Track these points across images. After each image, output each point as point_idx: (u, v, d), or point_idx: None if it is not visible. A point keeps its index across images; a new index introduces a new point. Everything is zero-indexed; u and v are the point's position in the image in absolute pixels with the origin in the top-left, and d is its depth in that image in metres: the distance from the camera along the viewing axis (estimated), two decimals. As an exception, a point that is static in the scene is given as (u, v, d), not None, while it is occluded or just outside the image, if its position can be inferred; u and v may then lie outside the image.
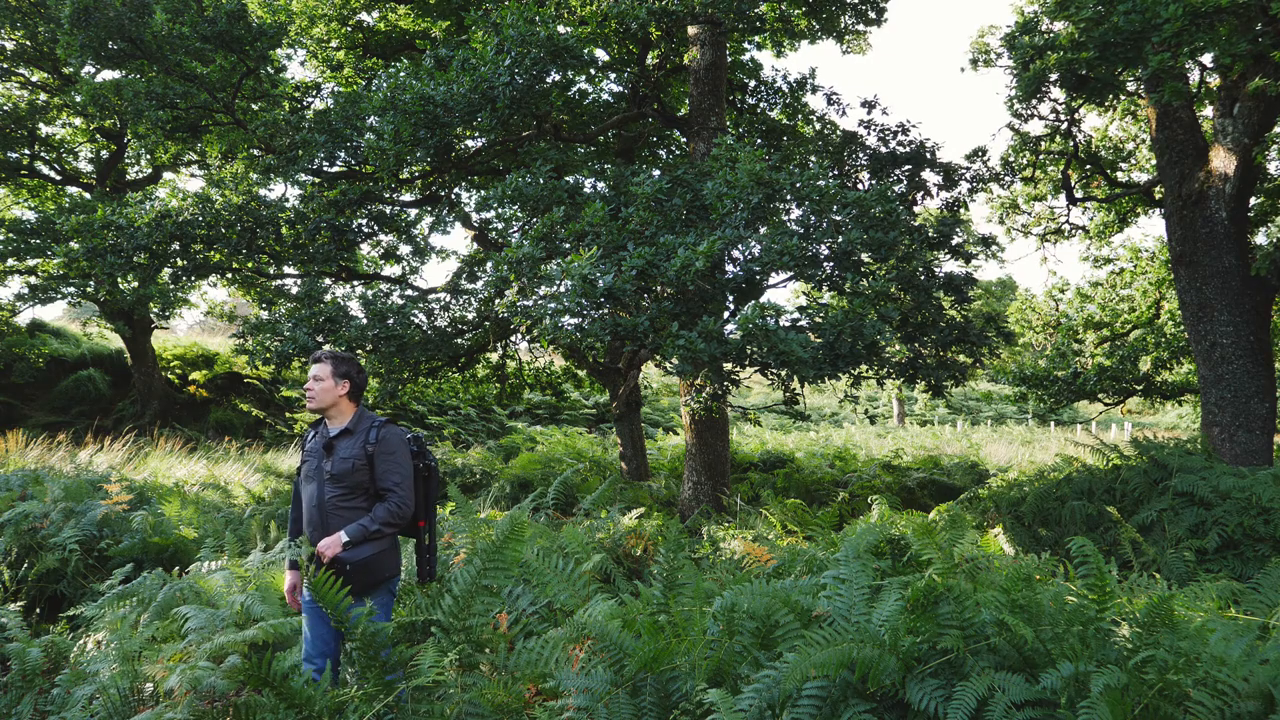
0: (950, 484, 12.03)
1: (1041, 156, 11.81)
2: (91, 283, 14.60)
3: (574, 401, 25.70)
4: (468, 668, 3.84)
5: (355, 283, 11.16)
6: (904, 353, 8.65)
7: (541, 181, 7.61)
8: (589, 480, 11.45)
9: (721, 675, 3.04)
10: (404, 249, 13.65)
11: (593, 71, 12.11)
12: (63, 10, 8.66)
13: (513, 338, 10.57)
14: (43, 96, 15.54)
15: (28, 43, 14.38)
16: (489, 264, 9.00)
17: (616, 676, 3.14)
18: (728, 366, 7.59)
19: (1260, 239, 11.90)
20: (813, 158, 11.06)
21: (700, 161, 8.77)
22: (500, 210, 8.61)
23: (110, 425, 16.38)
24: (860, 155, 10.64)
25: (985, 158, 10.58)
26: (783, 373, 7.54)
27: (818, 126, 12.27)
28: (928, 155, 10.08)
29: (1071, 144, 11.26)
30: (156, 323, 17.94)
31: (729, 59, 12.18)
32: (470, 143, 10.21)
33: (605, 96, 12.76)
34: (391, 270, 13.82)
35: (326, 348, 4.00)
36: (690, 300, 7.01)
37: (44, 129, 16.45)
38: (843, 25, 12.34)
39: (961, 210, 10.31)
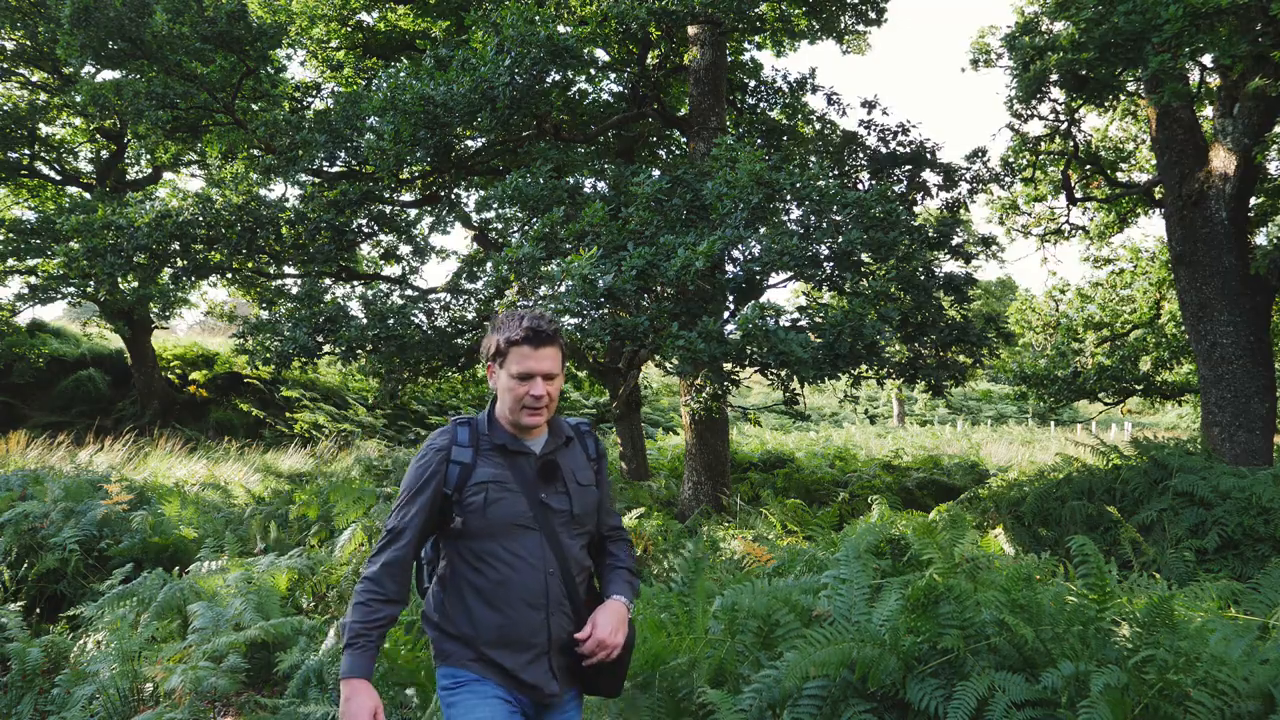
0: (950, 484, 12.03)
1: (1041, 157, 11.81)
2: (91, 283, 14.58)
3: (574, 401, 25.69)
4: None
5: (355, 283, 11.16)
6: (904, 353, 8.65)
7: (541, 181, 7.61)
8: (589, 480, 11.42)
9: (723, 675, 3.05)
10: (404, 249, 13.65)
11: (593, 71, 12.11)
12: (63, 10, 8.65)
13: (513, 338, 10.56)
14: (43, 96, 15.53)
15: (28, 43, 14.38)
16: (489, 264, 9.00)
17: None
18: (728, 366, 7.59)
19: (1260, 239, 11.90)
20: (813, 158, 11.07)
21: (700, 161, 8.77)
22: (500, 210, 8.62)
23: (110, 425, 16.37)
24: (860, 155, 10.64)
25: (985, 158, 10.58)
26: (783, 373, 7.54)
27: (818, 126, 12.27)
28: (928, 155, 10.08)
29: (1071, 144, 11.26)
30: (156, 323, 17.94)
31: (729, 59, 12.18)
32: (470, 143, 10.21)
33: (605, 96, 12.76)
34: (391, 270, 13.83)
35: (543, 314, 2.33)
36: (690, 300, 7.01)
37: (44, 129, 16.44)
38: (843, 25, 12.33)
39: (961, 210, 10.32)
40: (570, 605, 2.30)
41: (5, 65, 14.96)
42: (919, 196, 10.19)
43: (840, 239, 7.05)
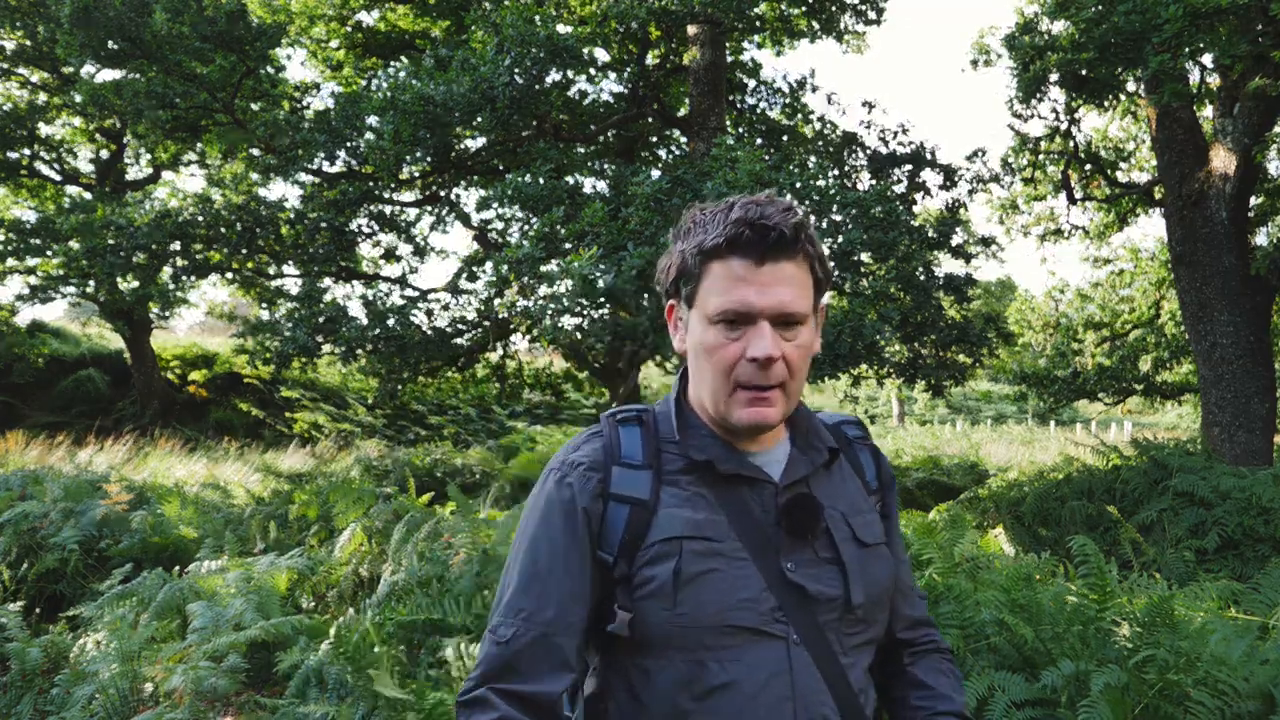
0: (950, 484, 12.02)
1: (1041, 157, 11.81)
2: (91, 283, 14.58)
3: (574, 401, 25.69)
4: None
5: (355, 283, 11.17)
6: (904, 353, 8.66)
7: (541, 181, 7.62)
8: (589, 480, 11.40)
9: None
10: (404, 249, 13.63)
11: (593, 71, 12.11)
12: (63, 10, 8.66)
13: (513, 338, 10.58)
14: (43, 96, 15.54)
15: (28, 43, 14.38)
16: (489, 264, 9.00)
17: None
18: (728, 366, 7.59)
19: (1260, 239, 11.90)
20: (812, 158, 11.07)
21: (700, 161, 8.77)
22: (500, 210, 8.62)
23: (110, 425, 16.37)
24: (860, 155, 10.65)
25: (985, 158, 10.60)
26: (783, 373, 7.54)
27: (817, 126, 12.28)
28: (927, 155, 10.10)
29: (1071, 144, 11.26)
30: (156, 323, 17.96)
31: (729, 59, 12.19)
32: (470, 143, 10.22)
33: (605, 96, 12.78)
34: (391, 270, 13.82)
35: (772, 198, 1.08)
36: (690, 300, 6.99)
37: (44, 129, 16.45)
38: (842, 25, 12.34)
39: (961, 210, 10.33)
40: None
41: (5, 65, 14.96)
42: (919, 196, 10.21)
43: (840, 239, 7.05)
